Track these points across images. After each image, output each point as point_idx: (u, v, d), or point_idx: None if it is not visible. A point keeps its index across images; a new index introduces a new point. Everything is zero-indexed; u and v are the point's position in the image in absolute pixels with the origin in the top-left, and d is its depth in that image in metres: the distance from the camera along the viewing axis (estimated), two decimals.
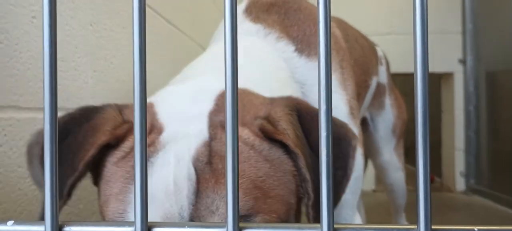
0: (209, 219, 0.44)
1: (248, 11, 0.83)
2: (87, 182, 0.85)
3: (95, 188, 0.86)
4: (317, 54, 0.31)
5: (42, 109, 0.74)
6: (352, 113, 0.79)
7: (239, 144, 0.47)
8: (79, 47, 0.84)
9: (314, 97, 0.69)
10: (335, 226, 0.30)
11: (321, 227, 0.30)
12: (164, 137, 0.49)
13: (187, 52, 1.63)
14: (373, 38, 1.40)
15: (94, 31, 0.89)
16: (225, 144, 0.30)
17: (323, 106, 0.30)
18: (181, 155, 0.47)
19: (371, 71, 1.19)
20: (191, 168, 0.46)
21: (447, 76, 3.13)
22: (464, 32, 3.07)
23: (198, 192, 0.45)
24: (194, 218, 0.44)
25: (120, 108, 0.52)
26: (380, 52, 1.37)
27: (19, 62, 0.67)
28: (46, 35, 0.32)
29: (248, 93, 0.56)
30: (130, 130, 0.50)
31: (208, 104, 0.52)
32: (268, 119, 0.51)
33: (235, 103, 0.30)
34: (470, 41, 3.05)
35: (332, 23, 0.78)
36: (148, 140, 0.48)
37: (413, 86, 0.30)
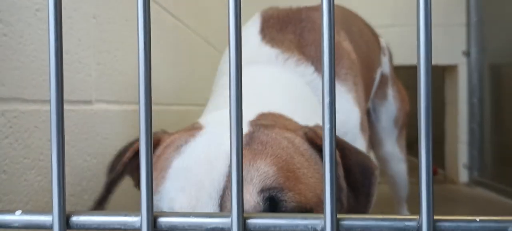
0: (244, 188, 0.48)
1: (263, 32, 0.84)
2: (91, 172, 0.86)
3: (99, 179, 0.86)
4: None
5: (47, 101, 0.74)
6: (362, 128, 0.81)
7: (281, 138, 0.54)
8: (83, 40, 0.84)
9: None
10: (338, 216, 0.30)
11: (324, 218, 0.30)
12: (203, 131, 0.56)
13: (190, 45, 1.63)
14: (376, 30, 1.40)
15: (97, 24, 0.90)
16: (230, 133, 0.31)
17: (326, 98, 0.31)
18: (220, 138, 0.52)
19: (375, 64, 1.19)
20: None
21: (451, 69, 3.12)
22: (468, 24, 3.05)
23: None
24: (228, 187, 0.48)
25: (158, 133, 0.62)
26: (383, 43, 1.36)
27: (23, 55, 0.67)
28: (52, 28, 0.32)
29: (287, 118, 0.62)
30: (163, 139, 0.59)
31: (244, 127, 0.56)
32: (313, 130, 0.57)
33: (240, 99, 0.31)
34: (475, 33, 3.04)
35: (337, 26, 0.79)
36: (187, 134, 0.56)
37: (416, 79, 0.30)
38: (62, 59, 0.32)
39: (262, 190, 0.48)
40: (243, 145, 0.50)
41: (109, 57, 0.95)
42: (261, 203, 0.47)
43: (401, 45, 2.34)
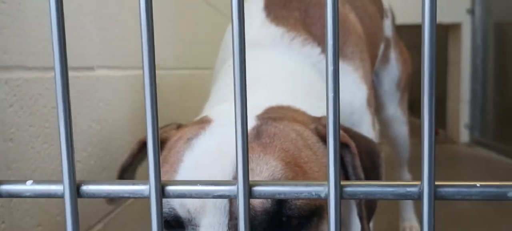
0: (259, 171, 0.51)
1: (267, 9, 0.81)
2: (96, 139, 0.86)
3: (104, 145, 0.87)
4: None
5: (49, 68, 0.74)
6: (369, 104, 0.81)
7: (289, 131, 0.55)
8: (83, 5, 0.83)
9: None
10: (342, 183, 0.31)
11: (328, 185, 0.31)
12: (213, 124, 0.56)
13: (192, 8, 1.61)
14: None
15: None
16: (234, 113, 0.31)
17: (330, 67, 0.31)
18: (228, 132, 0.51)
19: (380, 37, 1.18)
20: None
21: (455, 28, 3.08)
22: None
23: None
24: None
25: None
26: (385, 5, 1.34)
27: (24, 22, 0.66)
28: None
29: (295, 109, 0.63)
30: (172, 134, 0.61)
31: (251, 122, 0.56)
32: (322, 124, 0.57)
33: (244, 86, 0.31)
34: None
35: None
36: (197, 127, 0.57)
37: (419, 39, 0.30)
38: (64, 26, 0.32)
39: None
40: (251, 139, 0.52)
41: (110, 22, 0.94)
42: (269, 199, 0.48)
43: (404, 3, 2.30)
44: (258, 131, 0.54)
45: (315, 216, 0.52)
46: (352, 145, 0.56)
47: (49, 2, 0.31)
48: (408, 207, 1.51)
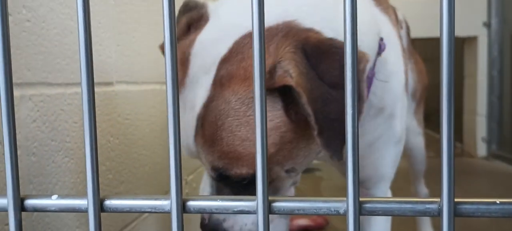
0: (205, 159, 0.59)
1: None
2: (114, 153, 0.88)
3: (122, 159, 0.89)
4: None
5: (70, 84, 0.76)
6: (406, 85, 0.79)
7: (226, 107, 0.56)
8: (102, 22, 0.85)
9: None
10: (360, 199, 0.31)
11: (347, 202, 0.31)
12: (188, 80, 0.61)
13: None
14: (393, 2, 1.38)
15: (115, 5, 0.91)
16: (254, 114, 0.32)
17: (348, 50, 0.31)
18: (191, 115, 0.59)
19: None
20: (195, 121, 0.59)
21: (471, 40, 3.05)
22: None
23: (196, 145, 0.60)
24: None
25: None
26: (400, 16, 1.34)
27: (47, 40, 0.69)
28: (80, 13, 0.33)
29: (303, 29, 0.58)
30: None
31: (224, 49, 0.58)
32: (270, 70, 0.55)
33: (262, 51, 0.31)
34: (496, 3, 2.95)
35: None
36: (181, 73, 0.61)
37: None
38: (91, 47, 0.34)
39: (213, 168, 0.58)
40: (199, 127, 0.58)
41: (127, 38, 0.97)
42: (214, 175, 0.59)
43: (419, 17, 2.29)
44: (205, 114, 0.57)
45: None
46: (292, 84, 0.52)
47: (77, 22, 0.33)
48: (425, 221, 1.49)
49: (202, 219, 0.62)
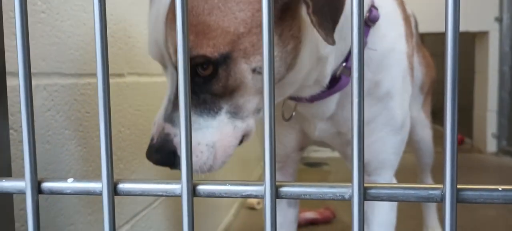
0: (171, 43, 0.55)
1: None
2: (125, 143, 0.90)
3: (133, 149, 0.90)
4: None
5: (83, 75, 0.77)
6: (410, 70, 0.78)
7: None
8: (114, 15, 0.87)
9: None
10: (365, 185, 0.32)
11: (352, 187, 0.32)
12: None
13: None
14: None
15: None
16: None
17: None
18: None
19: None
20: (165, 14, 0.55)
21: (482, 35, 3.02)
22: None
23: (166, 29, 0.55)
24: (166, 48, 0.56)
25: None
26: (408, 11, 1.35)
27: (61, 31, 0.70)
28: (96, 6, 0.34)
29: None
30: None
31: None
32: None
33: None
34: None
35: None
36: None
37: (443, 46, 0.31)
38: (107, 34, 0.35)
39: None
40: (171, 18, 0.53)
41: (138, 30, 0.98)
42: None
43: (428, 12, 2.28)
44: (173, 8, 0.53)
45: (225, 62, 0.53)
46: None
47: (93, 14, 0.34)
48: (432, 215, 1.49)
49: (151, 139, 0.59)
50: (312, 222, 1.75)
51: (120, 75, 0.89)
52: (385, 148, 0.76)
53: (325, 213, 1.79)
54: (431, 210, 1.49)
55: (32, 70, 0.64)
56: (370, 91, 0.72)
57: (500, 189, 0.31)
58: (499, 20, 2.91)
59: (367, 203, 0.68)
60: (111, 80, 0.85)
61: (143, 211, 0.98)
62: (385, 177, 0.78)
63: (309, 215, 1.76)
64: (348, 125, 0.73)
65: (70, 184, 0.37)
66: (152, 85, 1.04)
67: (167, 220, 1.10)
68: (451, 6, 0.30)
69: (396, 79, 0.74)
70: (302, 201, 1.95)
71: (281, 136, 0.83)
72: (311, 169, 2.73)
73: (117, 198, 0.89)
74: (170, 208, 1.11)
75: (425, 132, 1.38)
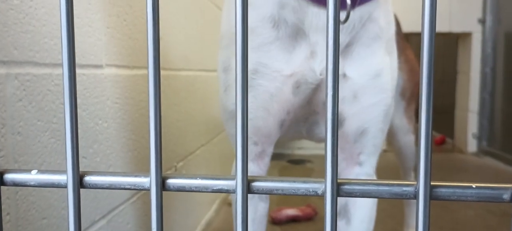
0: None
1: None
2: (103, 136, 0.88)
3: (110, 143, 0.88)
4: None
5: (58, 65, 0.75)
6: (392, 80, 0.79)
7: None
8: (92, 4, 0.84)
9: None
10: (338, 181, 0.32)
11: (325, 182, 0.32)
12: None
13: (200, 10, 1.62)
14: None
15: None
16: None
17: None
18: None
19: None
20: None
21: (465, 37, 3.06)
22: None
23: None
24: None
25: None
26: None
27: (35, 19, 0.68)
28: None
29: None
30: None
31: None
32: None
33: None
34: (491, 0, 2.95)
35: None
36: None
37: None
38: (73, 23, 0.33)
39: None
40: None
41: (118, 21, 0.96)
42: None
43: (413, 11, 2.29)
44: None
45: None
46: None
47: (59, 0, 0.32)
48: (413, 214, 1.51)
49: None
50: (294, 219, 1.75)
51: (98, 66, 0.87)
52: (370, 117, 0.74)
53: (306, 210, 1.79)
54: (412, 209, 1.50)
55: (3, 59, 0.62)
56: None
57: (474, 186, 0.31)
58: (482, 21, 2.95)
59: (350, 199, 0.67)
60: (88, 71, 0.83)
61: (121, 206, 0.96)
62: (371, 162, 0.78)
63: (291, 212, 1.76)
64: (359, 71, 0.73)
65: (34, 176, 0.36)
66: (131, 78, 1.02)
67: (145, 215, 1.09)
68: (427, 5, 0.30)
69: (384, 45, 0.75)
70: (285, 198, 1.94)
71: (274, 99, 0.75)
72: (294, 166, 2.74)
73: (92, 192, 0.87)
74: (148, 203, 1.10)
75: (407, 138, 1.38)
